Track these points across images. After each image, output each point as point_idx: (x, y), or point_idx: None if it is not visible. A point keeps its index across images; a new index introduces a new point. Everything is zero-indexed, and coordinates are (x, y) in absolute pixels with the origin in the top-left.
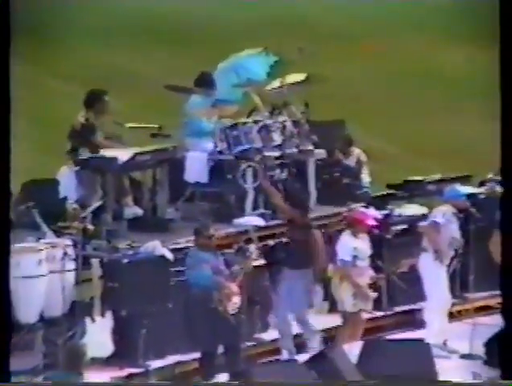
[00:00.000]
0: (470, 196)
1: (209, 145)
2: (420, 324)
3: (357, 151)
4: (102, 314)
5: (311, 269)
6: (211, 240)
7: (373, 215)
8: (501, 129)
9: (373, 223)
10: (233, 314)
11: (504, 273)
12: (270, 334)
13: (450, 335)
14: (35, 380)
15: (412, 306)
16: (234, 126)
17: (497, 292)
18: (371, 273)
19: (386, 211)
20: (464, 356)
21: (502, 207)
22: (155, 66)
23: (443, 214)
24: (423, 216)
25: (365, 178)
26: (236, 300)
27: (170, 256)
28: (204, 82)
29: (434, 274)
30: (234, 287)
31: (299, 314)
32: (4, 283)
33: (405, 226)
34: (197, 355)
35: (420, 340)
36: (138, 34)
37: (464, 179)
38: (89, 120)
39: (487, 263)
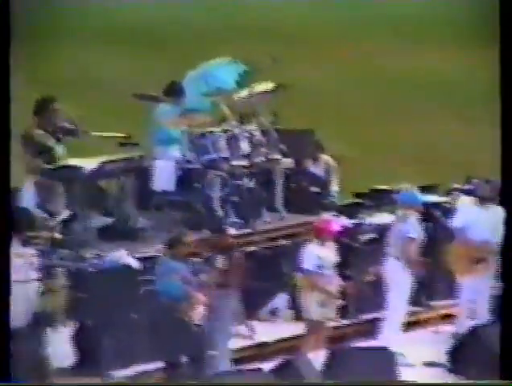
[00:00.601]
0: (436, 204)
1: (177, 153)
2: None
3: (325, 158)
4: (66, 324)
5: (234, 290)
6: (184, 250)
7: (339, 223)
8: (502, 133)
9: (337, 229)
10: (198, 324)
11: (503, 279)
12: (235, 343)
13: (414, 343)
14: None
15: (378, 315)
16: (202, 135)
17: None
18: (339, 281)
19: (356, 220)
20: (427, 364)
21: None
22: (124, 73)
23: (413, 226)
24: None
25: (334, 186)
26: (202, 310)
27: (136, 265)
28: (173, 91)
29: (401, 282)
30: (202, 297)
31: (221, 331)
32: (4, 285)
33: (374, 234)
34: (162, 364)
35: (384, 348)
36: (113, 41)
37: (431, 188)
38: (40, 127)
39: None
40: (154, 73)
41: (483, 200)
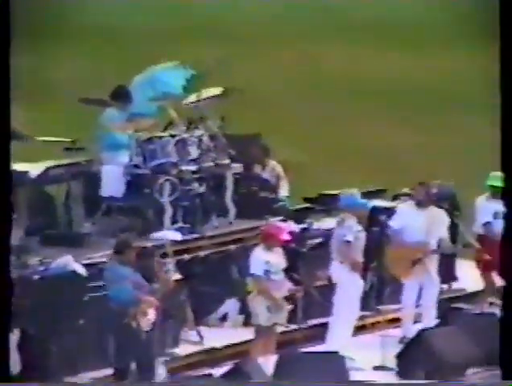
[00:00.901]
0: (384, 209)
1: (125, 158)
2: None
3: (272, 163)
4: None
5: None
6: (132, 255)
7: (287, 229)
8: (502, 132)
9: (287, 237)
10: (146, 330)
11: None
12: (184, 349)
13: (363, 347)
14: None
15: (327, 319)
16: (150, 140)
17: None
18: (288, 285)
19: (304, 225)
20: (376, 368)
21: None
22: (70, 77)
23: (350, 229)
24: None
25: (283, 191)
26: (151, 316)
27: (82, 271)
28: (120, 95)
29: (347, 285)
30: (152, 300)
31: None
32: (4, 286)
33: (322, 239)
34: (110, 371)
35: (335, 353)
36: (62, 43)
37: (379, 193)
38: None
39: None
40: (102, 76)
41: (420, 203)
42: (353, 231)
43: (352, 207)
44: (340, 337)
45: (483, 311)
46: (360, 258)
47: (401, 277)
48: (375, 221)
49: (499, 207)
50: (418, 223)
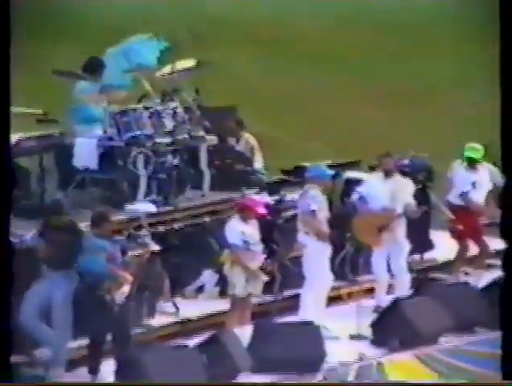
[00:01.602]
0: (358, 181)
1: (99, 131)
2: None
3: (246, 135)
4: None
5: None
6: (108, 228)
7: (263, 201)
8: (501, 128)
9: (263, 210)
10: (121, 303)
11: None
12: (159, 320)
13: (338, 317)
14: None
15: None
16: (124, 112)
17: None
18: (263, 257)
19: (278, 197)
20: (352, 337)
21: (503, 205)
22: (45, 49)
23: (314, 199)
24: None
25: (258, 163)
26: (126, 289)
27: None
28: (93, 66)
29: (317, 255)
30: (127, 276)
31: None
32: (4, 285)
33: (297, 211)
34: (85, 341)
35: (310, 322)
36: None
37: (354, 165)
38: None
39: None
40: (76, 50)
41: (387, 173)
42: (316, 200)
43: (318, 178)
44: (312, 307)
45: (458, 281)
46: (325, 228)
47: (370, 245)
48: (349, 192)
49: (476, 176)
50: (383, 191)
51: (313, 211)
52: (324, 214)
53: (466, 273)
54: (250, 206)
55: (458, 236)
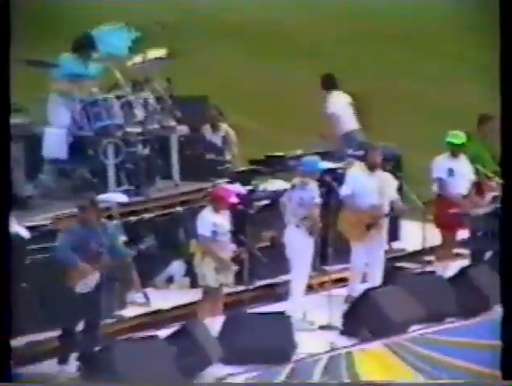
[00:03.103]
0: (330, 171)
1: (68, 120)
2: (281, 297)
3: (225, 126)
4: None
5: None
6: (88, 216)
7: (235, 191)
8: (501, 127)
9: (235, 200)
10: (86, 293)
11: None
12: (131, 311)
13: (310, 307)
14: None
15: (273, 280)
16: (95, 102)
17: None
18: (233, 247)
19: (250, 187)
20: (322, 327)
21: (503, 203)
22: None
23: (315, 192)
24: (286, 191)
25: (231, 153)
26: (89, 280)
27: (25, 234)
28: (83, 44)
29: (303, 248)
30: (86, 266)
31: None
32: (5, 285)
33: (268, 201)
34: (56, 333)
35: (281, 313)
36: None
37: (324, 155)
38: None
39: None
40: (45, 39)
41: (372, 167)
42: (317, 193)
43: (310, 172)
44: (302, 297)
45: (424, 270)
46: (319, 223)
47: (356, 241)
48: (322, 182)
49: (455, 164)
50: (370, 186)
51: (317, 204)
52: (318, 208)
53: (430, 262)
54: (223, 196)
55: (436, 223)
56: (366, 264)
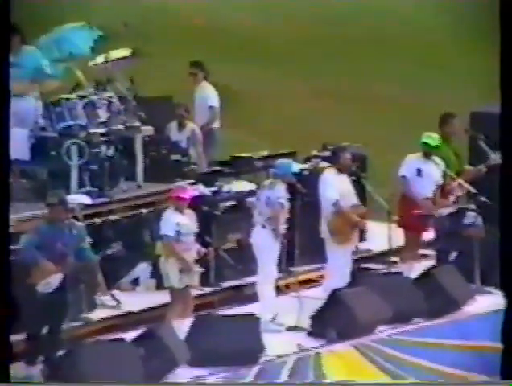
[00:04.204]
0: (296, 172)
1: (30, 121)
2: (248, 299)
3: (191, 125)
4: None
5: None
6: (55, 214)
7: (192, 190)
8: (501, 127)
9: (184, 195)
10: (49, 295)
11: (503, 268)
12: (98, 314)
13: (278, 309)
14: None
15: (240, 281)
16: (57, 102)
17: (319, 265)
18: (198, 248)
19: (214, 188)
20: (290, 329)
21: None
22: None
23: (282, 193)
24: (252, 192)
25: (197, 154)
26: (52, 279)
27: None
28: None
29: (269, 249)
30: (49, 265)
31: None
32: (5, 284)
33: (233, 202)
34: (18, 337)
35: (249, 315)
36: None
37: (290, 156)
38: None
39: (311, 237)
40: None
41: (341, 168)
42: (285, 195)
43: (282, 175)
44: (271, 298)
45: (390, 271)
46: (283, 224)
47: (342, 243)
48: (289, 184)
49: (425, 165)
50: (348, 188)
51: (281, 203)
52: (285, 211)
53: (396, 263)
54: (178, 194)
55: (399, 224)
56: (338, 265)
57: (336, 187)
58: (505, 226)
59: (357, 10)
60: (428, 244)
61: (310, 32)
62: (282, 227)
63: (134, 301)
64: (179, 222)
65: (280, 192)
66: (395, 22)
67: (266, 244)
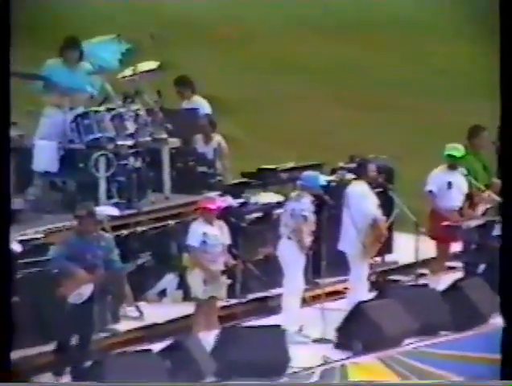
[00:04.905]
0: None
1: (59, 133)
2: (273, 311)
3: (217, 138)
4: None
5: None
6: (85, 225)
7: (220, 200)
8: (501, 128)
9: (212, 206)
10: (78, 306)
11: (502, 276)
12: (124, 325)
13: (304, 320)
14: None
15: (265, 293)
16: (86, 114)
17: (345, 277)
18: (225, 259)
19: (241, 200)
20: (316, 341)
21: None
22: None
23: (307, 205)
24: (279, 204)
25: (223, 166)
26: (83, 290)
27: (16, 247)
28: (71, 45)
29: (294, 261)
30: (83, 274)
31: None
32: (5, 284)
33: (260, 214)
34: (47, 348)
35: (275, 326)
36: None
37: (316, 167)
38: None
39: (337, 249)
40: (32, 52)
41: (371, 181)
42: (310, 208)
43: (309, 187)
44: (296, 310)
45: (417, 283)
46: (309, 236)
47: (371, 257)
48: (315, 196)
49: (453, 177)
50: (376, 200)
51: (304, 216)
52: (311, 224)
53: (423, 275)
54: (208, 205)
55: (430, 236)
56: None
57: (372, 200)
58: None
59: (383, 20)
60: (456, 257)
61: (336, 42)
62: (308, 239)
63: (161, 312)
64: (206, 232)
65: (305, 204)
66: (420, 31)
67: (291, 256)
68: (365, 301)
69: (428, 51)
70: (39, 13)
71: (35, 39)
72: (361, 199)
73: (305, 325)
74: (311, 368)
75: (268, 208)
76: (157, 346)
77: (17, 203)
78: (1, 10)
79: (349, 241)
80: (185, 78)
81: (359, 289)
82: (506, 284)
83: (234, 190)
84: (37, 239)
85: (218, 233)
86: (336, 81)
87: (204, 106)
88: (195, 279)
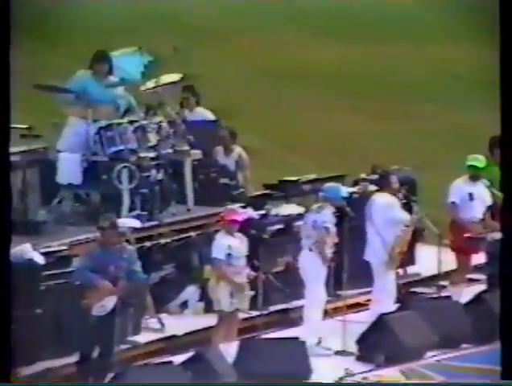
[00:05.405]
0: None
1: (83, 145)
2: (295, 323)
3: (238, 149)
4: None
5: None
6: (108, 237)
7: (242, 212)
8: (502, 130)
9: (237, 218)
10: (101, 317)
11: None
12: (145, 337)
13: (324, 333)
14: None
15: (287, 305)
16: (109, 127)
17: (367, 289)
18: (248, 271)
19: (263, 211)
20: (337, 353)
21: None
22: (25, 62)
23: (329, 217)
24: (300, 216)
25: (244, 177)
26: (106, 302)
27: (40, 259)
28: (100, 59)
29: (316, 273)
30: (108, 285)
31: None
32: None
33: (281, 225)
34: (69, 359)
35: (295, 338)
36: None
37: (338, 179)
38: None
39: (359, 261)
40: (56, 64)
41: (394, 193)
42: (331, 219)
43: (331, 199)
44: (317, 322)
45: (439, 295)
46: (330, 248)
47: (397, 267)
48: (337, 207)
49: (474, 188)
50: (402, 208)
51: (326, 227)
52: (333, 236)
53: (445, 287)
54: (226, 216)
55: (451, 248)
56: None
57: (399, 208)
58: None
59: (407, 28)
60: (479, 269)
61: (359, 50)
62: (329, 251)
63: (182, 324)
64: (230, 245)
65: (327, 216)
66: (441, 40)
67: (313, 268)
68: (388, 314)
69: (452, 58)
70: (39, 11)
71: (35, 39)
72: (388, 209)
73: (327, 337)
74: (332, 381)
75: (289, 220)
76: (178, 358)
77: (41, 215)
78: (1, 10)
79: (374, 252)
80: (191, 87)
81: (384, 300)
82: None
83: (256, 202)
84: (61, 251)
85: (240, 245)
86: (357, 90)
87: (207, 117)
88: (221, 292)
